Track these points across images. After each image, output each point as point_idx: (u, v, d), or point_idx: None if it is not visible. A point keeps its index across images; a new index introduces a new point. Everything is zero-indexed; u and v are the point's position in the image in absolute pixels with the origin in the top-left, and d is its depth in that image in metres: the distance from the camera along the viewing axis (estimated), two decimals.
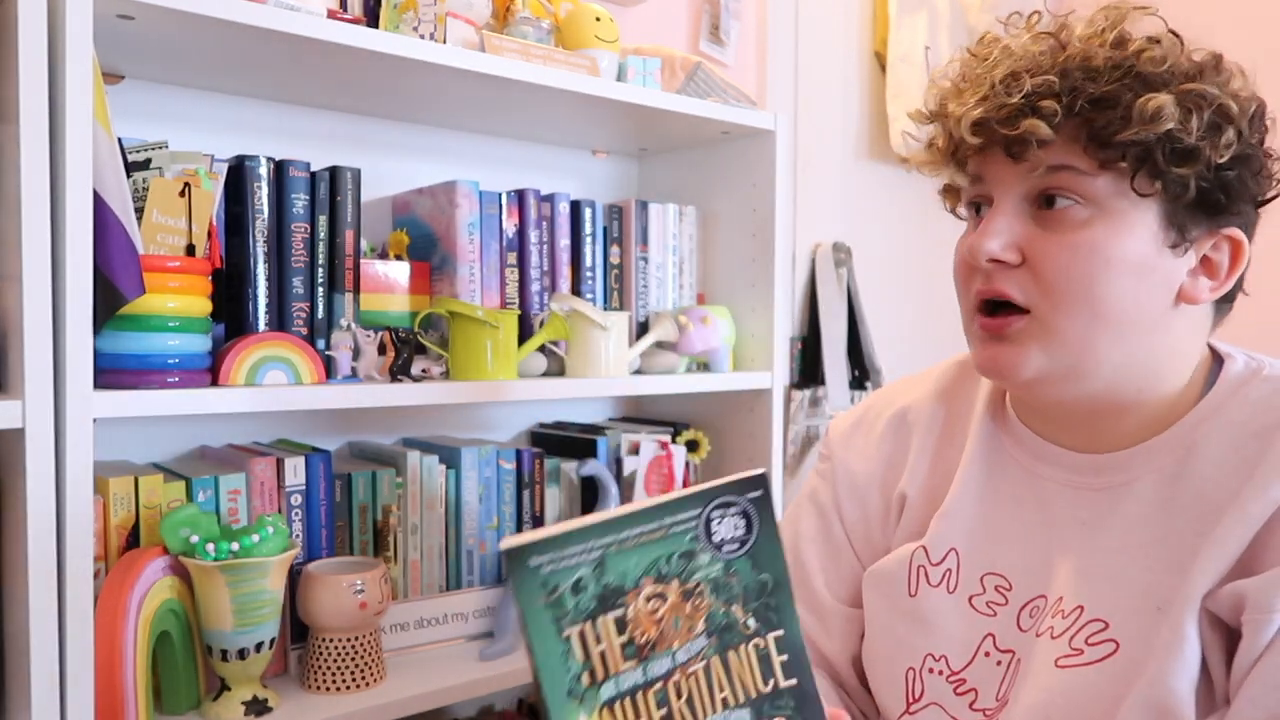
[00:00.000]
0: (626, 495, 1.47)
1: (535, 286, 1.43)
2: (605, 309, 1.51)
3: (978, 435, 0.84)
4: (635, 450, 1.50)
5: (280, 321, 1.18)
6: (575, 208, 1.48)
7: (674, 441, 1.54)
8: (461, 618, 1.32)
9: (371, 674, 1.16)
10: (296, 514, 1.20)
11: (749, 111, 1.49)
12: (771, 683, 0.65)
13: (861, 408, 0.96)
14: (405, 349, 1.22)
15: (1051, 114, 0.68)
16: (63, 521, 0.91)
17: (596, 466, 1.39)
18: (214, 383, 1.07)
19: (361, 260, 1.25)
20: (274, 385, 1.10)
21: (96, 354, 0.96)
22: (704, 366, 1.55)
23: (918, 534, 0.85)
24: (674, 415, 1.68)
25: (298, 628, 1.20)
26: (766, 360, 1.54)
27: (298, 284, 1.19)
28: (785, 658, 0.66)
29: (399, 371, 1.22)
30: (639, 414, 1.74)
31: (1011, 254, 0.72)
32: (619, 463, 1.49)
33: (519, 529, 1.41)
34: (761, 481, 0.65)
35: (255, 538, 1.05)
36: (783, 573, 0.66)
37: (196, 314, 1.04)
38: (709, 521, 0.64)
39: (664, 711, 0.61)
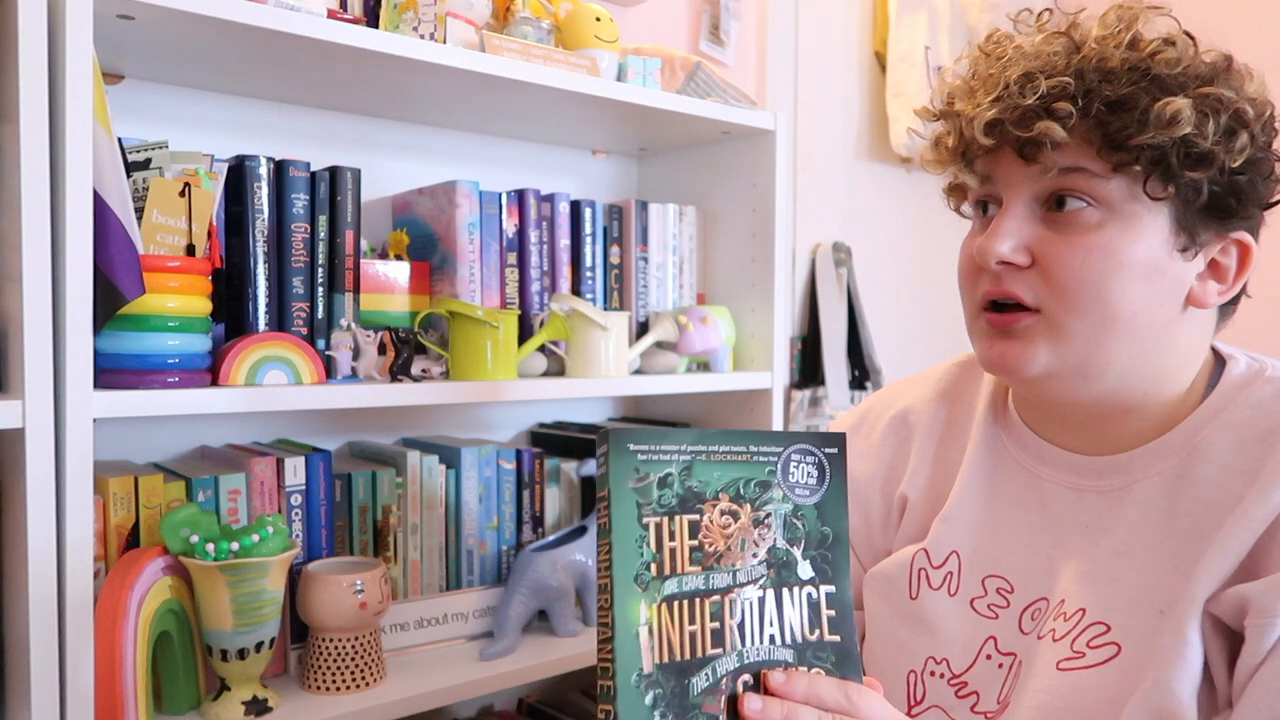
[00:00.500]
0: None
1: (535, 286, 1.43)
2: (605, 309, 1.51)
3: (979, 437, 0.84)
4: None
5: (280, 321, 1.18)
6: (575, 208, 1.48)
7: None
8: (461, 618, 1.32)
9: (371, 674, 1.16)
10: (296, 514, 1.20)
11: (749, 111, 1.49)
12: (817, 632, 0.67)
13: (861, 409, 0.96)
14: (405, 349, 1.22)
15: (1066, 116, 0.68)
16: (63, 521, 0.91)
17: (596, 466, 1.39)
18: (214, 383, 1.07)
19: (361, 260, 1.25)
20: (274, 385, 1.10)
21: (96, 354, 0.97)
22: (704, 366, 1.55)
23: (918, 536, 0.85)
24: (674, 415, 1.68)
25: (298, 628, 1.20)
26: (766, 360, 1.54)
27: (298, 284, 1.19)
28: (833, 613, 0.68)
29: (399, 371, 1.22)
30: (639, 414, 1.74)
31: (1021, 256, 0.72)
32: None
33: (519, 529, 1.41)
34: (840, 441, 0.68)
35: (255, 538, 1.05)
36: (844, 532, 0.69)
37: (196, 314, 1.04)
38: (788, 461, 0.67)
39: (715, 625, 0.63)
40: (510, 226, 1.41)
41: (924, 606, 0.81)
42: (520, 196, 1.41)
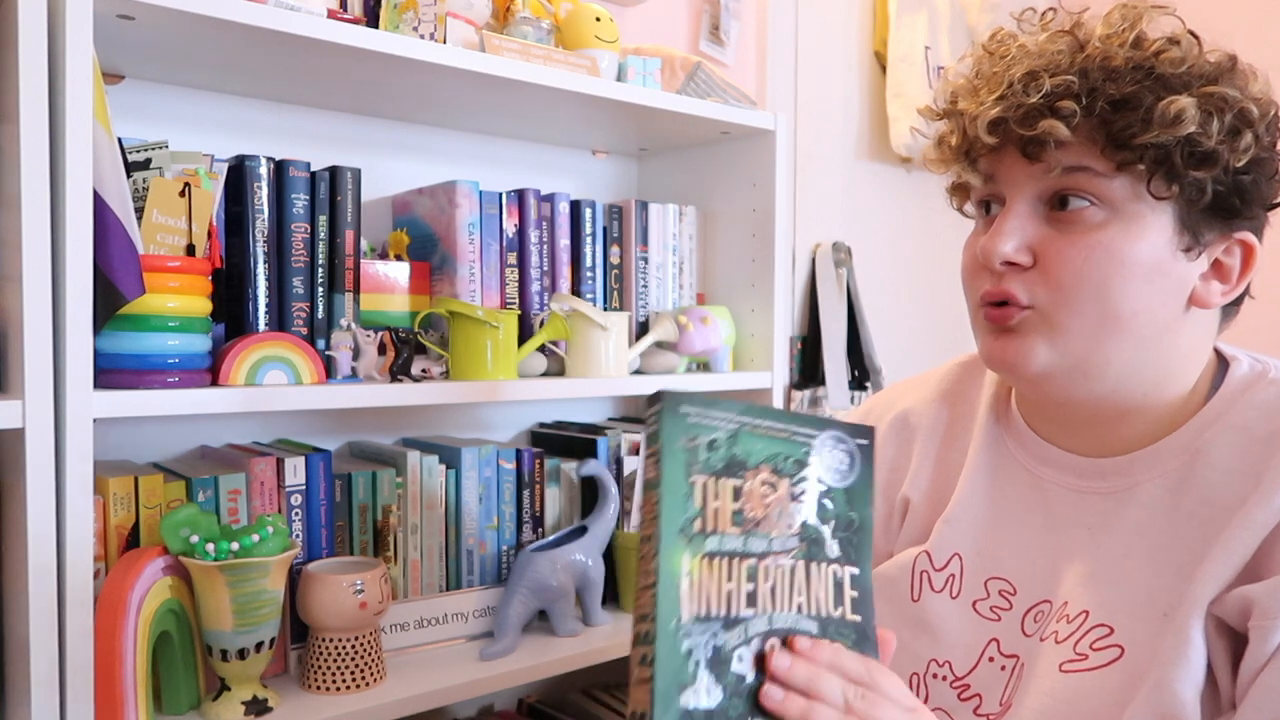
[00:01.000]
0: (627, 495, 1.47)
1: (535, 286, 1.43)
2: (605, 309, 1.51)
3: (981, 439, 0.84)
4: (635, 450, 1.50)
5: (280, 321, 1.18)
6: (575, 208, 1.48)
7: None
8: (461, 618, 1.32)
9: (371, 674, 1.16)
10: (296, 514, 1.20)
11: (749, 111, 1.49)
12: (841, 610, 0.69)
13: (862, 411, 0.96)
14: (405, 349, 1.22)
15: (1070, 115, 0.68)
16: (63, 521, 0.91)
17: (596, 466, 1.39)
18: (214, 383, 1.07)
19: (361, 260, 1.25)
20: (274, 385, 1.10)
21: (96, 354, 0.97)
22: (704, 366, 1.55)
23: (920, 538, 0.85)
24: None
25: (298, 628, 1.20)
26: (766, 360, 1.54)
27: (298, 284, 1.19)
28: (855, 594, 0.70)
29: (399, 371, 1.22)
30: (639, 414, 1.74)
31: (1024, 255, 0.72)
32: (619, 463, 1.49)
33: (519, 529, 1.41)
34: (870, 434, 0.71)
35: (255, 538, 1.05)
36: (869, 520, 0.71)
37: (196, 314, 1.04)
38: (823, 445, 0.69)
39: (750, 587, 0.65)
40: (510, 226, 1.41)
41: (926, 609, 0.81)
42: (520, 196, 1.41)
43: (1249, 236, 0.73)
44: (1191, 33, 0.71)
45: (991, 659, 0.78)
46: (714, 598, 0.63)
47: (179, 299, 1.02)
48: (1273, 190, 0.73)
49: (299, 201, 1.19)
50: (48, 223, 0.90)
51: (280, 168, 1.18)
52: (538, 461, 1.43)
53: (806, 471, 0.68)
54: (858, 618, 0.69)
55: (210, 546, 1.03)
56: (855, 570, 0.70)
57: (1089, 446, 0.77)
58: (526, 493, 1.42)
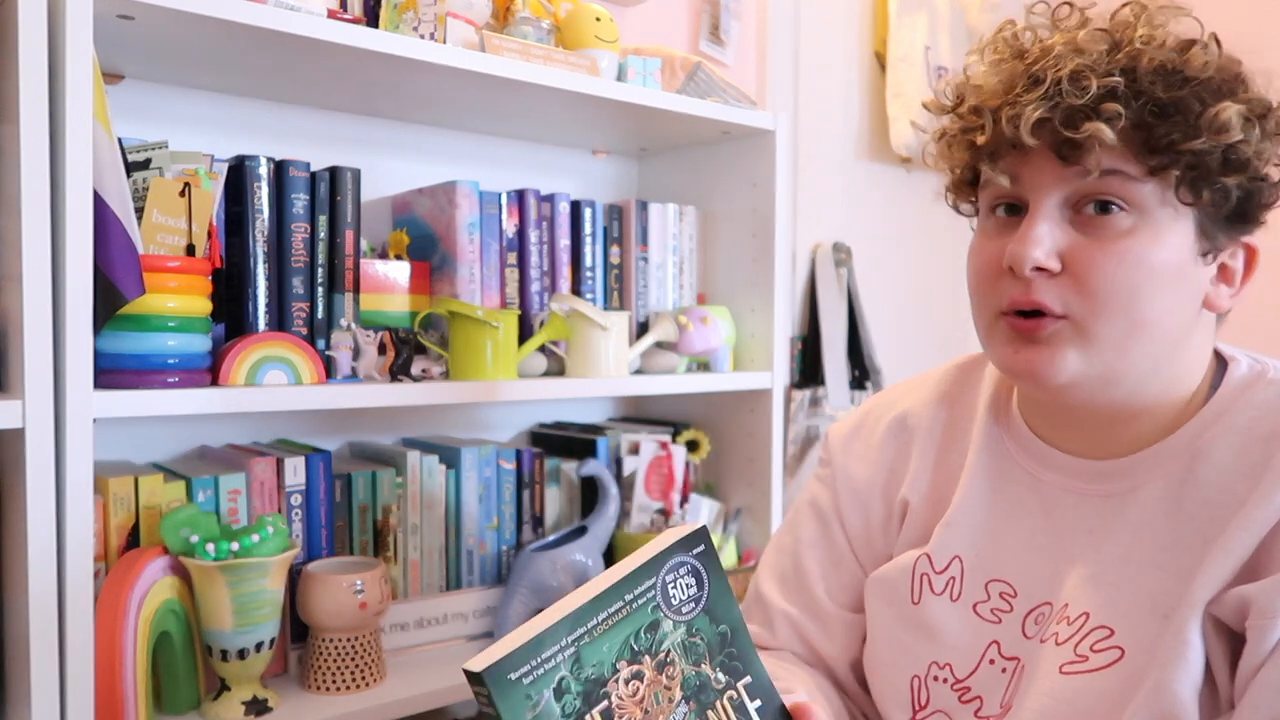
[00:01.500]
0: (627, 495, 1.47)
1: (535, 286, 1.43)
2: (605, 309, 1.51)
3: (981, 441, 0.84)
4: (635, 450, 1.50)
5: (280, 321, 1.18)
6: (575, 208, 1.48)
7: (674, 441, 1.54)
8: (461, 618, 1.32)
9: (371, 674, 1.16)
10: (296, 514, 1.20)
11: (749, 111, 1.49)
12: None
13: (861, 413, 0.96)
14: (405, 349, 1.22)
15: (1115, 117, 0.66)
16: (63, 521, 0.91)
17: (596, 466, 1.39)
18: (214, 383, 1.07)
19: (361, 260, 1.25)
20: (274, 385, 1.10)
21: (96, 354, 0.97)
22: (704, 366, 1.55)
23: (920, 541, 0.85)
24: (674, 415, 1.68)
25: (298, 628, 1.20)
26: (766, 360, 1.54)
27: (298, 284, 1.19)
28: (758, 703, 0.66)
29: (399, 371, 1.22)
30: (639, 414, 1.74)
31: (1055, 261, 0.70)
32: (619, 463, 1.49)
33: (519, 529, 1.41)
34: (703, 535, 0.65)
35: (255, 538, 1.05)
36: (738, 619, 0.66)
37: (196, 314, 1.04)
38: (665, 588, 0.64)
39: None
40: (510, 226, 1.41)
41: (926, 611, 0.81)
42: (520, 196, 1.41)
43: (1252, 240, 0.73)
44: (1214, 35, 0.71)
45: (992, 661, 0.77)
46: None
47: (179, 299, 1.02)
48: (1274, 193, 0.73)
49: (299, 201, 1.19)
50: (48, 223, 0.90)
51: (280, 168, 1.18)
52: (538, 461, 1.43)
53: (663, 629, 0.63)
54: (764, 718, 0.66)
55: (210, 546, 1.03)
56: (748, 679, 0.66)
57: (1091, 449, 0.77)
58: (526, 493, 1.42)
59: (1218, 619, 0.68)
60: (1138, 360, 0.71)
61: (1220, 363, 0.77)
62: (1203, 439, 0.73)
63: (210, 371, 1.07)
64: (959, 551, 0.81)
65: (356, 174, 1.24)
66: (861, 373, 2.02)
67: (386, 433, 1.47)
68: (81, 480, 0.92)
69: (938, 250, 2.24)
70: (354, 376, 1.20)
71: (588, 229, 1.49)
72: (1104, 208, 0.69)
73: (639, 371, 1.49)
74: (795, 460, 1.92)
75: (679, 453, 1.52)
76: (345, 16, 1.15)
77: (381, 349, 1.21)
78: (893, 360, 2.10)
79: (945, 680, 0.79)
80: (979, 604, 0.79)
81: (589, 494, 1.47)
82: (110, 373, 0.99)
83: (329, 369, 1.19)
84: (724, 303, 1.59)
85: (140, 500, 1.09)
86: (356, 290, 1.24)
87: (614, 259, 1.53)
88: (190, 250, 1.06)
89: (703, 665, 0.65)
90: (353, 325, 1.22)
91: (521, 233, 1.41)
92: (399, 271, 1.32)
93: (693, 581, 0.65)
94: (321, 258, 1.21)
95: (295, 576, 1.17)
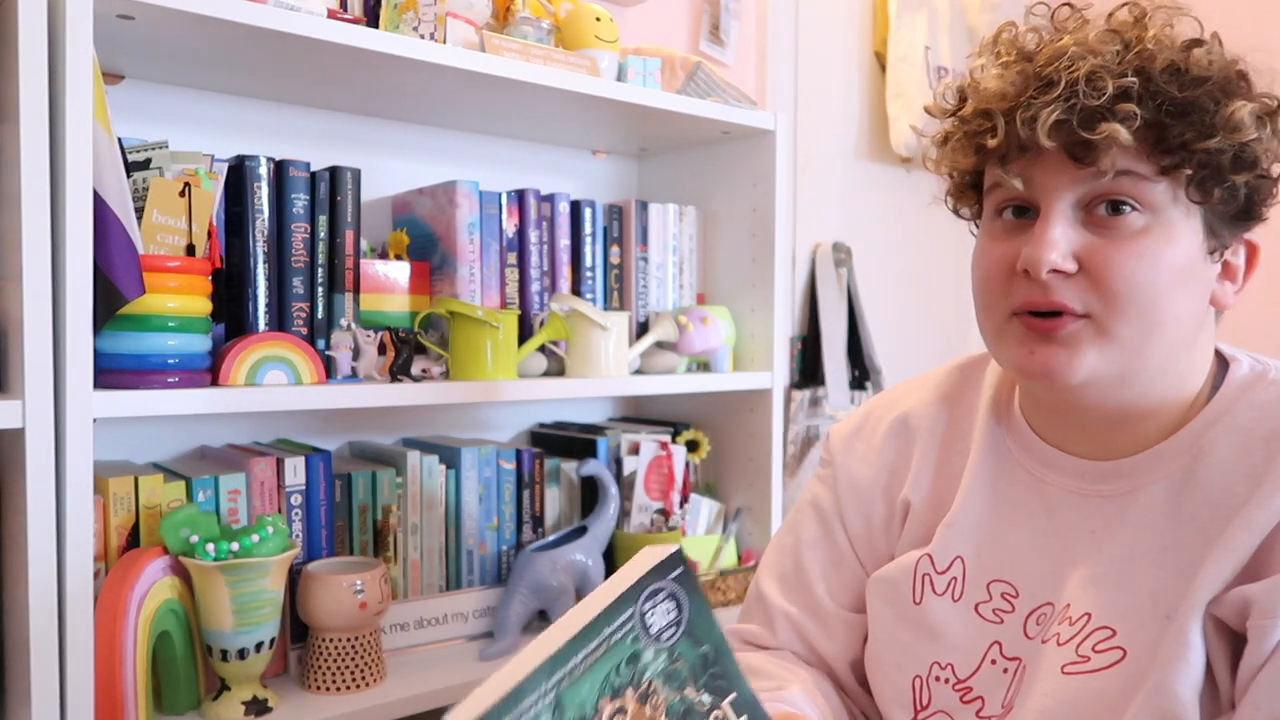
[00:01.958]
0: (627, 495, 1.47)
1: (535, 286, 1.43)
2: (605, 309, 1.51)
3: (982, 441, 0.84)
4: (635, 450, 1.50)
5: (280, 321, 1.18)
6: (575, 208, 1.48)
7: (674, 441, 1.54)
8: (461, 618, 1.32)
9: (371, 674, 1.16)
10: (296, 514, 1.20)
11: (749, 111, 1.49)
12: None
13: (862, 413, 0.95)
14: (405, 349, 1.22)
15: (1130, 117, 0.66)
16: (63, 521, 0.91)
17: (596, 466, 1.39)
18: (214, 383, 1.07)
19: (361, 260, 1.25)
20: (274, 385, 1.10)
21: (96, 354, 0.97)
22: (704, 366, 1.55)
23: (922, 541, 0.85)
24: (674, 415, 1.68)
25: (298, 628, 1.20)
26: (766, 360, 1.54)
27: (298, 284, 1.19)
28: (744, 718, 0.65)
29: (399, 371, 1.22)
30: (639, 414, 1.74)
31: (1070, 263, 0.69)
32: (619, 463, 1.49)
33: (519, 529, 1.41)
34: (680, 558, 0.64)
35: (255, 538, 1.05)
36: (720, 638, 0.65)
37: (196, 314, 1.04)
38: (644, 617, 0.62)
39: None
40: (510, 226, 1.41)
41: (928, 612, 0.81)
42: (520, 196, 1.41)
43: (1253, 237, 0.74)
44: (1215, 34, 0.71)
45: (994, 661, 0.77)
46: None
47: (179, 299, 1.02)
48: (1276, 190, 0.73)
49: (299, 201, 1.19)
50: (48, 223, 0.90)
51: (280, 168, 1.18)
52: (538, 461, 1.43)
53: (644, 659, 0.61)
54: None
55: (210, 546, 1.03)
56: (733, 695, 0.65)
57: (1093, 450, 0.77)
58: (526, 493, 1.42)
59: (1219, 619, 0.68)
60: (1152, 359, 0.71)
61: (1222, 363, 0.77)
62: (1204, 439, 0.73)
63: (210, 371, 1.07)
64: (961, 552, 0.81)
65: (356, 174, 1.24)
66: (861, 373, 2.02)
67: (386, 433, 1.47)
68: (81, 480, 0.92)
69: (938, 250, 2.24)
70: (354, 376, 1.20)
71: (588, 229, 1.49)
72: (1116, 208, 0.69)
73: (639, 371, 1.49)
74: (795, 460, 1.92)
75: (679, 453, 1.52)
76: (345, 16, 1.15)
77: (381, 349, 1.21)
78: (893, 360, 2.10)
79: (947, 680, 0.79)
80: (981, 604, 0.79)
81: (589, 494, 1.47)
82: (110, 373, 0.99)
83: (329, 369, 1.19)
84: (724, 303, 1.59)
85: (140, 500, 1.09)
86: (356, 290, 1.24)
87: (614, 259, 1.53)
88: (190, 250, 1.06)
89: (686, 690, 0.64)
90: (353, 325, 1.22)
91: (521, 233, 1.41)
92: (399, 271, 1.32)
93: (672, 606, 0.64)
94: (321, 258, 1.21)
95: (295, 576, 1.17)
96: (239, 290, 1.17)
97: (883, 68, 2.13)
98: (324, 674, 1.14)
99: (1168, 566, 0.70)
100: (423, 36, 1.18)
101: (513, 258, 1.41)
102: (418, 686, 1.17)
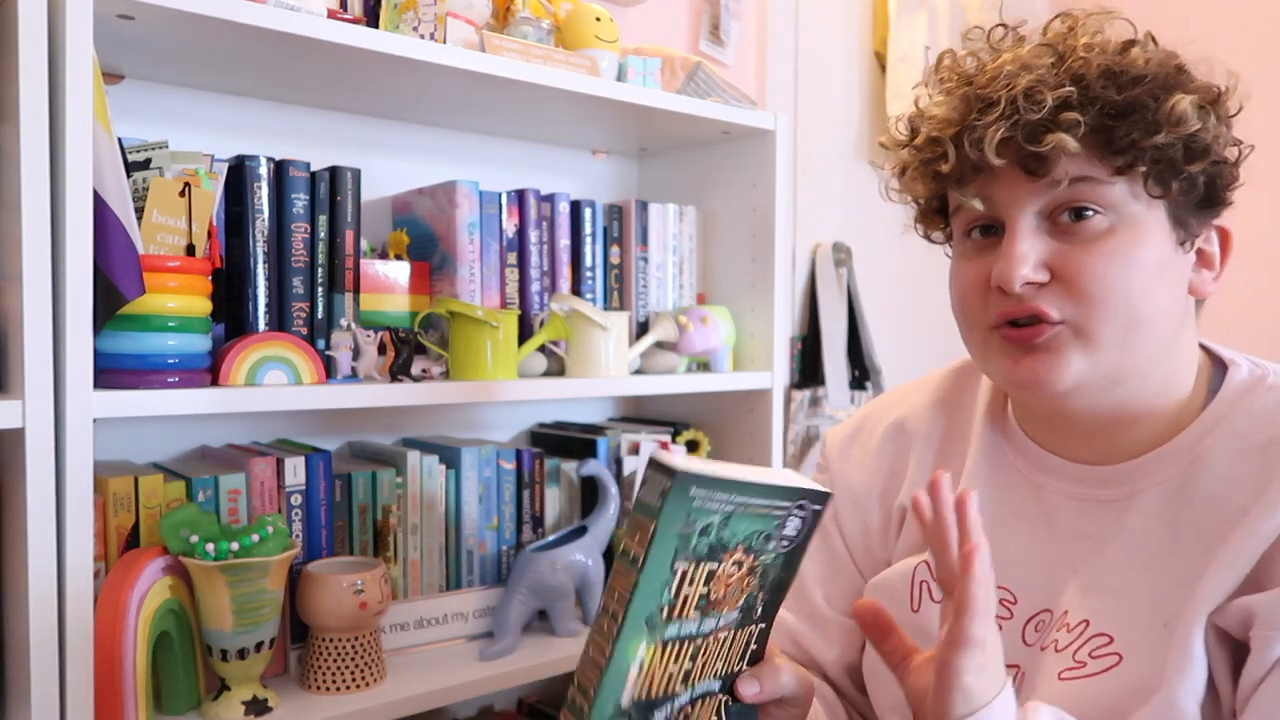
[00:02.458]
0: (627, 495, 1.47)
1: (535, 286, 1.43)
2: (605, 309, 1.51)
3: (979, 446, 0.83)
4: (635, 450, 1.50)
5: (280, 321, 1.18)
6: (575, 208, 1.48)
7: (674, 441, 1.54)
8: (461, 618, 1.32)
9: (371, 674, 1.16)
10: (296, 514, 1.20)
11: (749, 111, 1.49)
12: (741, 664, 0.71)
13: (858, 418, 0.95)
14: (405, 349, 1.22)
15: (1074, 126, 0.67)
16: (63, 521, 0.91)
17: (596, 466, 1.39)
18: (214, 383, 1.07)
19: (361, 260, 1.25)
20: (274, 385, 1.10)
21: (96, 354, 0.97)
22: (704, 366, 1.55)
23: (919, 547, 0.84)
24: (674, 415, 1.68)
25: (298, 628, 1.20)
26: (766, 360, 1.54)
27: (298, 284, 1.19)
28: (756, 648, 0.71)
29: (399, 371, 1.22)
30: (639, 414, 1.74)
31: (1042, 273, 0.70)
32: (619, 463, 1.49)
33: (519, 529, 1.41)
34: (826, 499, 0.69)
35: (255, 538, 1.05)
36: (794, 580, 0.71)
37: (196, 314, 1.04)
38: (788, 515, 0.67)
39: (689, 666, 0.65)
40: (510, 226, 1.41)
41: (926, 619, 0.80)
42: (520, 196, 1.41)
43: (1223, 222, 0.75)
44: (1149, 33, 0.72)
45: None
46: (656, 683, 0.63)
47: (179, 299, 1.02)
48: (1235, 175, 0.74)
49: (299, 201, 1.19)
50: (48, 223, 0.90)
51: (280, 168, 1.18)
52: (538, 461, 1.43)
53: (769, 544, 0.67)
54: (744, 664, 0.71)
55: (210, 546, 1.03)
56: (765, 625, 0.71)
57: (1089, 454, 0.77)
58: (526, 493, 1.42)
59: (1220, 628, 0.67)
60: (1138, 357, 0.71)
61: (1219, 366, 0.77)
62: (1201, 445, 0.72)
63: (210, 371, 1.07)
64: None
65: (356, 174, 1.24)
66: (861, 373, 2.02)
67: (386, 433, 1.47)
68: (81, 480, 0.92)
69: (938, 250, 2.23)
70: (354, 376, 1.20)
71: (588, 229, 1.49)
72: (1079, 214, 0.70)
73: (639, 371, 1.49)
74: (795, 460, 1.92)
75: (679, 453, 1.52)
76: (345, 16, 1.15)
77: (381, 349, 1.21)
78: (893, 360, 2.10)
79: None
80: None
81: (589, 494, 1.47)
82: (110, 373, 0.99)
83: (329, 369, 1.19)
84: (724, 303, 1.59)
85: (140, 500, 1.09)
86: (356, 290, 1.24)
87: (614, 259, 1.53)
88: (190, 250, 1.06)
89: (763, 593, 0.69)
90: (353, 325, 1.22)
91: (521, 233, 1.41)
92: (399, 271, 1.32)
93: (801, 526, 0.68)
94: (321, 258, 1.21)
95: (295, 576, 1.17)
96: (239, 290, 1.17)
97: (883, 68, 2.13)
98: (324, 674, 1.14)
99: (1166, 574, 0.70)
100: (423, 36, 1.18)
101: (513, 258, 1.41)
102: (418, 686, 1.17)
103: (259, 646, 1.07)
